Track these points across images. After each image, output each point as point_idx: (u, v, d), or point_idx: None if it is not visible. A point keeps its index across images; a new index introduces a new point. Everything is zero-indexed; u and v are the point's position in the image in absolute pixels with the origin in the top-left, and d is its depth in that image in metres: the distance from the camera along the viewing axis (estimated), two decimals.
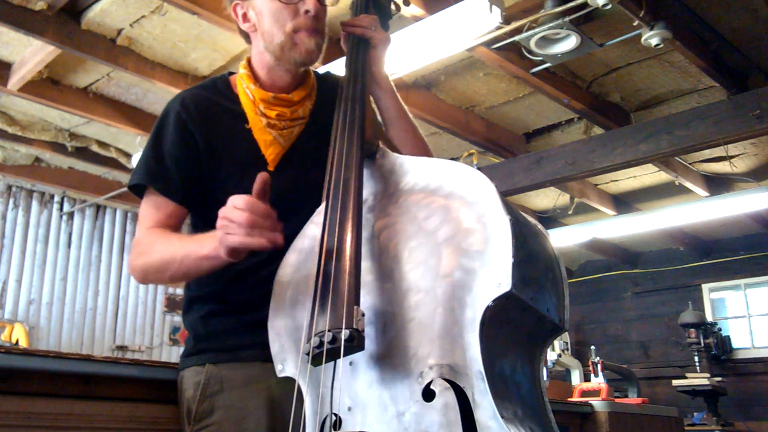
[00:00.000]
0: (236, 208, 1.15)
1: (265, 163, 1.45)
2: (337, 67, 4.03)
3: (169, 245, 1.34)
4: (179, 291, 7.48)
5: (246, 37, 1.54)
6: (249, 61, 1.52)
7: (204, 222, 1.47)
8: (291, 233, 1.40)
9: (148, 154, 1.46)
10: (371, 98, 1.55)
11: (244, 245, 1.15)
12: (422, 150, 1.57)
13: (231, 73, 1.55)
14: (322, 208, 1.29)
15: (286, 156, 1.47)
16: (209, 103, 1.48)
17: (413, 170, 1.25)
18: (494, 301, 1.03)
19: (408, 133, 1.58)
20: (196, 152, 1.44)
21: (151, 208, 1.44)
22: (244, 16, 1.49)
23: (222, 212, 1.17)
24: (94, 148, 5.83)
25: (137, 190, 1.48)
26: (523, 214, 1.19)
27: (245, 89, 1.48)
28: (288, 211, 1.43)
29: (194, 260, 1.29)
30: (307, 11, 1.42)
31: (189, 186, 1.44)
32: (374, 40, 1.53)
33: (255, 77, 1.49)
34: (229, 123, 1.46)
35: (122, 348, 6.94)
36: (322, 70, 4.37)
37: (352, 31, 1.54)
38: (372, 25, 1.54)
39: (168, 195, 1.43)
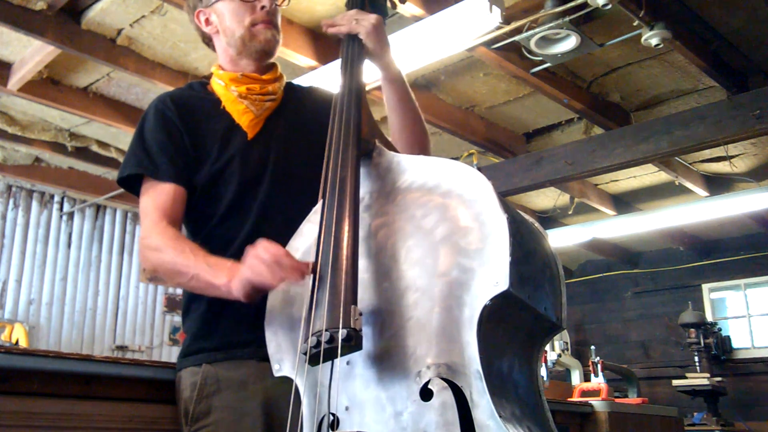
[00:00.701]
0: (266, 250, 1.20)
1: (243, 132, 1.53)
2: (337, 68, 4.03)
3: (183, 256, 1.36)
4: (179, 291, 7.46)
5: (209, 42, 1.66)
6: (218, 65, 1.64)
7: (195, 202, 1.51)
8: (274, 203, 1.48)
9: (133, 147, 1.53)
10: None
11: (268, 282, 1.20)
12: (420, 139, 1.59)
13: (207, 82, 1.65)
14: (318, 206, 1.30)
15: (263, 128, 1.55)
16: (185, 97, 1.60)
17: (410, 169, 1.25)
18: (492, 299, 1.03)
19: (408, 122, 1.59)
20: (179, 136, 1.51)
21: (150, 195, 1.48)
22: (207, 21, 1.62)
23: (252, 254, 1.22)
24: (94, 148, 5.83)
25: (129, 186, 1.52)
26: (520, 212, 1.19)
27: (217, 80, 1.59)
28: (270, 180, 1.50)
29: (203, 283, 1.33)
30: (263, 7, 1.56)
31: (178, 166, 1.49)
32: (361, 33, 1.51)
33: (224, 70, 1.61)
34: (205, 108, 1.57)
35: (122, 348, 6.94)
36: (323, 69, 4.34)
37: (336, 31, 1.55)
38: (352, 20, 1.52)
39: (160, 177, 1.47)
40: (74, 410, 1.45)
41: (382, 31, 1.54)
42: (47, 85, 4.72)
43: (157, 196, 1.47)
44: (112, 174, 6.33)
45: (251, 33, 1.56)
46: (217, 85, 1.58)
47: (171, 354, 7.21)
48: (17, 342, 5.86)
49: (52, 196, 6.80)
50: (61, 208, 6.85)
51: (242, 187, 1.49)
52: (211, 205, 1.51)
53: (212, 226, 1.51)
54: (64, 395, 1.45)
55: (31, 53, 4.36)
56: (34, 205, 6.69)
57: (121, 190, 6.10)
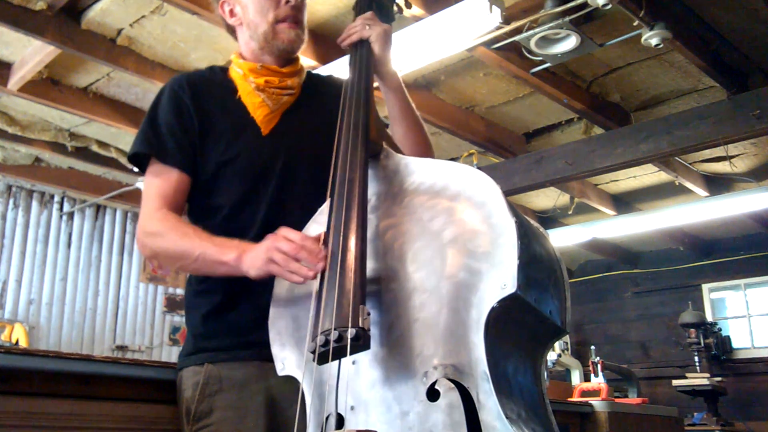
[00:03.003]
0: (287, 240, 1.20)
1: (257, 127, 1.50)
2: (337, 68, 4.02)
3: (187, 238, 1.37)
4: (179, 291, 7.47)
5: (233, 32, 1.63)
6: (239, 52, 1.61)
7: (199, 191, 1.50)
8: (285, 200, 1.46)
9: (144, 126, 1.51)
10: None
11: (283, 277, 1.21)
12: (423, 148, 1.59)
13: (227, 68, 1.62)
14: (325, 207, 1.30)
15: (278, 124, 1.52)
16: (202, 80, 1.57)
17: (418, 171, 1.25)
18: (499, 302, 1.04)
19: (410, 131, 1.59)
20: (190, 121, 1.49)
21: (154, 179, 1.47)
22: (231, 11, 1.59)
23: (272, 239, 1.22)
24: (94, 148, 5.82)
25: (138, 163, 1.51)
26: (524, 216, 1.19)
27: (236, 68, 1.56)
28: (281, 176, 1.47)
29: (210, 262, 1.33)
30: (287, 1, 1.51)
31: (185, 152, 1.47)
32: (371, 38, 1.54)
33: (244, 59, 1.58)
34: (221, 95, 1.54)
35: (122, 348, 6.93)
36: (323, 70, 4.37)
37: (351, 41, 1.56)
38: (365, 25, 1.55)
39: (166, 161, 1.46)
40: (74, 410, 1.45)
41: (390, 39, 1.57)
42: (47, 85, 4.72)
43: (161, 182, 1.46)
44: (112, 174, 6.33)
45: (274, 31, 1.52)
46: (236, 73, 1.55)
47: (171, 354, 7.21)
48: (17, 342, 5.85)
49: (52, 196, 6.79)
50: (61, 208, 6.84)
51: (249, 183, 1.47)
52: (217, 198, 1.49)
53: (219, 220, 1.48)
54: (64, 395, 1.45)
55: (31, 53, 4.36)
56: (34, 205, 6.68)
57: (121, 190, 6.07)
